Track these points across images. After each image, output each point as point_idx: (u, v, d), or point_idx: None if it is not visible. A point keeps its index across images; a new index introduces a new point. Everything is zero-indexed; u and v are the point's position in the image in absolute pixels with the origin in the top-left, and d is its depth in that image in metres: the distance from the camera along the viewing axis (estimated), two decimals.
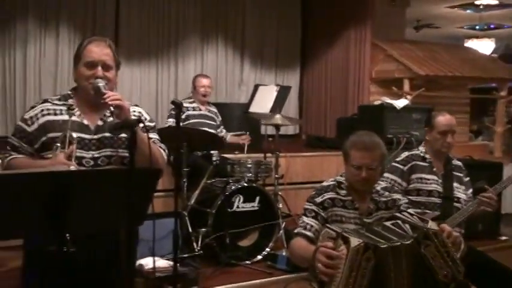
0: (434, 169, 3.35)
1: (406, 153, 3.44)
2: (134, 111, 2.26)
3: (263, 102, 5.39)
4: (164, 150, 2.26)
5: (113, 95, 2.07)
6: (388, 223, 2.28)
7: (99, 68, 2.14)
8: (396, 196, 2.68)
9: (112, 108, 2.05)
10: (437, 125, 3.34)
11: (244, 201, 4.23)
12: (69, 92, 2.25)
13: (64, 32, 6.63)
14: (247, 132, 5.44)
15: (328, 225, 2.31)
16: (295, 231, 2.56)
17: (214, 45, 7.75)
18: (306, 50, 8.46)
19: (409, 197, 3.30)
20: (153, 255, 2.98)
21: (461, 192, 3.34)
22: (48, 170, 1.99)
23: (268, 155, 4.99)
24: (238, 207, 4.20)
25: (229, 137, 5.32)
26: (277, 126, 4.80)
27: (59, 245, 1.80)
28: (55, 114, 2.16)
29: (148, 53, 7.19)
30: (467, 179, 3.46)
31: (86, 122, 2.17)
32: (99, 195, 1.79)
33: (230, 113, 6.15)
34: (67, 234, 1.77)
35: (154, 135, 2.31)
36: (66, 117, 2.13)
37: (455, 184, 3.34)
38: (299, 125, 8.32)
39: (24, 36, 6.38)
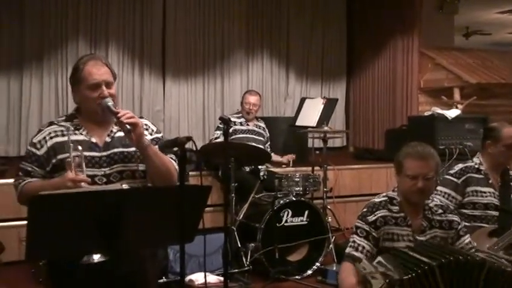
0: (491, 181, 3.24)
1: (460, 165, 3.34)
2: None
3: (309, 115, 5.35)
4: (175, 161, 2.24)
5: (126, 113, 2.09)
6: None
7: (103, 87, 2.15)
8: (453, 218, 2.56)
9: (128, 126, 2.06)
10: (504, 137, 3.22)
11: (292, 216, 4.20)
12: (74, 112, 2.27)
13: (113, 52, 6.81)
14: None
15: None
16: (346, 251, 2.52)
17: (260, 59, 7.78)
18: (352, 61, 8.37)
19: (464, 211, 3.20)
20: (204, 270, 2.98)
21: None
22: (101, 188, 2.03)
23: (316, 168, 4.95)
24: (287, 221, 4.17)
25: (273, 156, 5.28)
26: (324, 139, 4.76)
27: (113, 262, 1.82)
28: (63, 135, 2.18)
29: (194, 69, 7.28)
30: None
31: (94, 139, 2.18)
32: (152, 212, 1.81)
33: (276, 127, 6.14)
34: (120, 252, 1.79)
35: None
36: (74, 137, 2.14)
37: None
38: (346, 137, 8.23)
39: (75, 57, 6.57)
